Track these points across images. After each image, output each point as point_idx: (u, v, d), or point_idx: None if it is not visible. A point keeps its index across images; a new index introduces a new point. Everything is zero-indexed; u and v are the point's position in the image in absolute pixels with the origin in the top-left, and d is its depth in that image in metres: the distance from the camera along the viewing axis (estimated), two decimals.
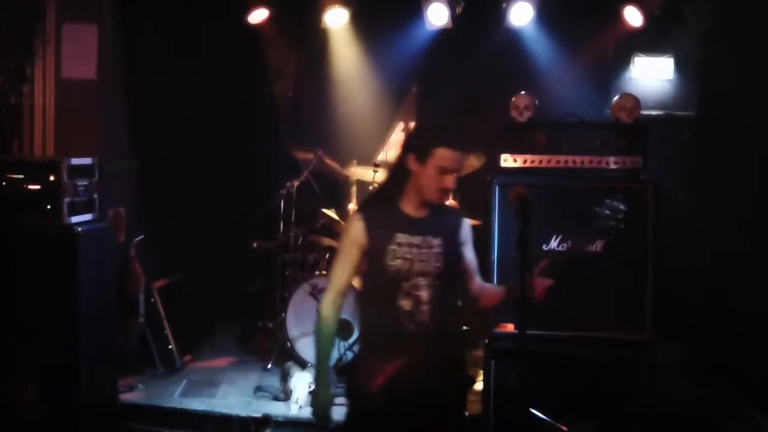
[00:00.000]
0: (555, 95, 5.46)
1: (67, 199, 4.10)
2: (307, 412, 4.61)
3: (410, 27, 6.11)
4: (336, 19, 6.08)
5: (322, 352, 3.05)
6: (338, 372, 4.74)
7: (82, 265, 4.06)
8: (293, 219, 5.84)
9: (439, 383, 2.92)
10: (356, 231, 2.95)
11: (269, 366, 5.39)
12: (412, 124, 6.72)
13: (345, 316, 4.91)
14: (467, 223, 3.11)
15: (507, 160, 4.41)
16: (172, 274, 5.88)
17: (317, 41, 6.44)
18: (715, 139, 5.50)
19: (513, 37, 5.98)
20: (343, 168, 5.98)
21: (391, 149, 6.65)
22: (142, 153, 5.96)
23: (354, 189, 5.98)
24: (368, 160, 6.12)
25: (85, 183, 4.26)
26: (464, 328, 4.30)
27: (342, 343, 5.03)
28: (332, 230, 5.89)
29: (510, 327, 4.08)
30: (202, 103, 6.17)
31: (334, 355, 4.78)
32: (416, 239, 2.92)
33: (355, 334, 5.07)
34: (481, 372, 4.18)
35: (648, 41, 5.87)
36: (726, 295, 5.07)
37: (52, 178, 4.09)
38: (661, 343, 4.28)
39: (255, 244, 6.01)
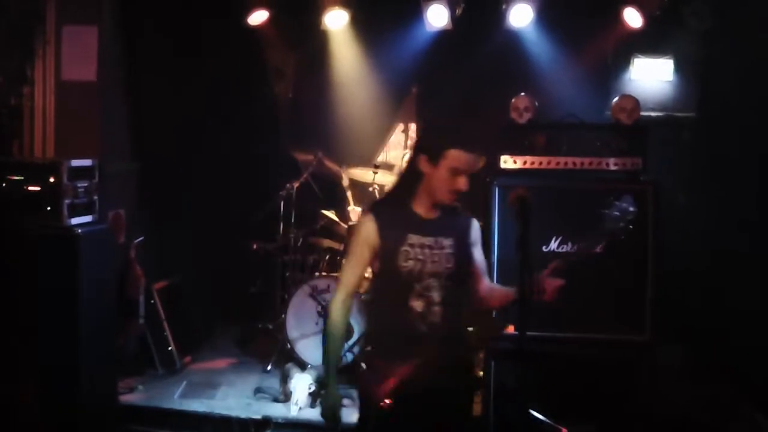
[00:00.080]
0: (555, 96, 5.46)
1: (67, 201, 4.11)
2: (306, 414, 4.62)
3: (410, 28, 6.10)
4: (336, 21, 6.08)
5: (331, 353, 3.04)
6: (338, 373, 4.73)
7: (82, 266, 4.07)
8: (293, 220, 5.84)
9: (449, 384, 2.92)
10: (368, 232, 2.94)
11: (269, 367, 5.39)
12: (412, 126, 6.73)
13: None
14: (477, 225, 3.11)
15: (507, 162, 4.41)
16: (172, 275, 5.88)
17: (317, 43, 6.44)
18: (715, 140, 5.50)
19: (513, 38, 5.97)
20: (341, 170, 5.98)
21: (391, 150, 6.65)
22: (142, 154, 5.96)
23: (349, 191, 5.98)
24: (368, 162, 6.12)
25: (85, 185, 4.26)
26: (470, 329, 4.30)
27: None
28: (332, 232, 5.89)
29: (510, 328, 4.08)
30: (202, 104, 6.17)
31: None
32: (428, 240, 2.92)
33: (355, 336, 5.07)
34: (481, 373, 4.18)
35: (647, 42, 5.87)
36: (726, 295, 5.07)
37: (52, 179, 4.10)
38: (661, 344, 4.28)
39: (255, 246, 6.01)
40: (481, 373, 4.22)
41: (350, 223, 5.79)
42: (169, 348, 5.40)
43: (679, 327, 4.95)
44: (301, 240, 5.91)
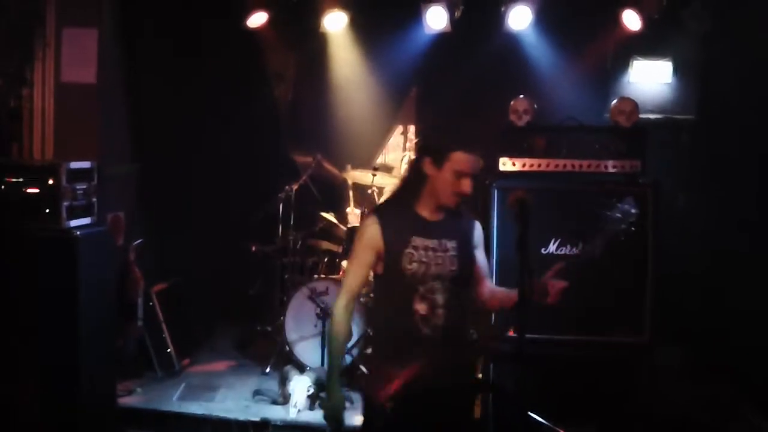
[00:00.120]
0: (554, 99, 5.47)
1: (65, 203, 4.11)
2: (305, 416, 4.61)
3: (409, 31, 6.11)
4: (335, 23, 6.09)
5: (334, 355, 3.02)
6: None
7: (80, 268, 4.06)
8: (292, 222, 5.84)
9: (451, 386, 2.91)
10: (372, 234, 2.93)
11: (268, 370, 5.39)
12: (411, 128, 6.73)
13: None
14: (479, 227, 3.11)
15: (506, 164, 4.42)
16: (171, 277, 5.88)
17: (316, 45, 6.44)
18: (715, 140, 5.51)
19: (512, 40, 5.98)
20: (341, 172, 5.99)
21: (390, 152, 6.65)
22: (141, 155, 5.96)
23: (351, 193, 5.98)
24: (367, 164, 6.12)
25: (84, 187, 4.26)
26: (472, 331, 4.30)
27: None
28: (331, 234, 5.89)
29: (512, 331, 4.07)
30: (202, 105, 6.17)
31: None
32: (432, 243, 2.92)
33: (354, 338, 5.07)
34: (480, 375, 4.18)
35: (646, 45, 5.88)
36: (726, 295, 5.08)
37: (51, 181, 4.09)
38: (660, 346, 4.29)
39: (254, 248, 6.00)
40: (480, 375, 4.22)
41: (349, 225, 5.79)
42: (168, 350, 5.39)
43: (678, 328, 4.96)
44: (300, 242, 5.91)
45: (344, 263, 5.59)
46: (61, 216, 4.09)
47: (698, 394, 4.75)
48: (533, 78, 5.96)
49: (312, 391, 4.72)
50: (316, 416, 4.58)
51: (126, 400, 4.80)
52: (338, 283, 5.27)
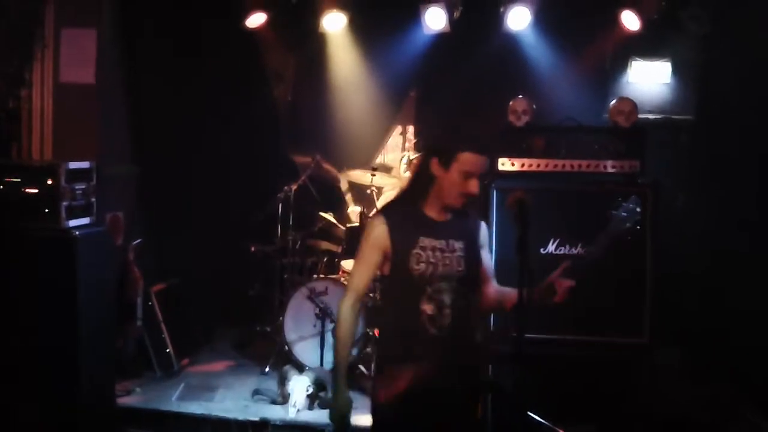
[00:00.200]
0: (553, 99, 5.47)
1: (64, 203, 4.11)
2: (304, 416, 4.62)
3: (408, 31, 6.11)
4: (334, 24, 6.09)
5: (340, 356, 2.99)
6: None
7: (80, 268, 4.06)
8: (291, 223, 5.84)
9: (457, 386, 2.91)
10: (379, 234, 2.92)
11: (267, 369, 5.39)
12: (410, 128, 6.73)
13: None
14: (485, 227, 3.11)
15: (505, 164, 4.42)
16: (171, 277, 5.88)
17: (315, 46, 6.45)
18: (715, 140, 5.51)
19: (511, 41, 5.98)
20: (340, 173, 5.99)
21: (389, 153, 6.66)
22: (141, 155, 5.96)
23: (349, 194, 5.98)
24: (366, 164, 6.12)
25: (83, 187, 4.26)
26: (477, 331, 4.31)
27: None
28: (330, 234, 5.89)
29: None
30: (202, 105, 6.16)
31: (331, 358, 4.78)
32: (440, 243, 2.91)
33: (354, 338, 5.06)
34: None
35: (645, 45, 5.88)
36: (726, 295, 5.08)
37: (50, 182, 4.09)
38: (659, 346, 4.28)
39: (253, 248, 6.00)
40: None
41: (349, 225, 5.80)
42: (167, 350, 5.39)
43: (678, 328, 4.96)
44: (299, 242, 5.91)
45: (343, 263, 5.60)
46: (60, 216, 4.09)
47: (698, 394, 4.76)
48: (532, 78, 5.96)
49: (311, 390, 4.72)
50: (316, 416, 4.58)
51: (125, 400, 4.80)
52: (337, 283, 5.28)
